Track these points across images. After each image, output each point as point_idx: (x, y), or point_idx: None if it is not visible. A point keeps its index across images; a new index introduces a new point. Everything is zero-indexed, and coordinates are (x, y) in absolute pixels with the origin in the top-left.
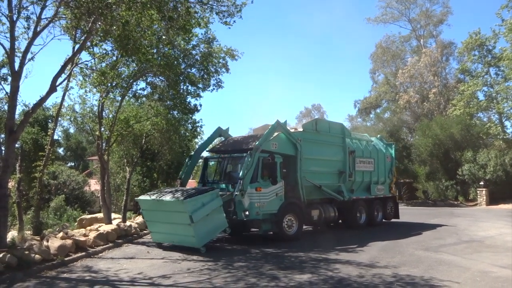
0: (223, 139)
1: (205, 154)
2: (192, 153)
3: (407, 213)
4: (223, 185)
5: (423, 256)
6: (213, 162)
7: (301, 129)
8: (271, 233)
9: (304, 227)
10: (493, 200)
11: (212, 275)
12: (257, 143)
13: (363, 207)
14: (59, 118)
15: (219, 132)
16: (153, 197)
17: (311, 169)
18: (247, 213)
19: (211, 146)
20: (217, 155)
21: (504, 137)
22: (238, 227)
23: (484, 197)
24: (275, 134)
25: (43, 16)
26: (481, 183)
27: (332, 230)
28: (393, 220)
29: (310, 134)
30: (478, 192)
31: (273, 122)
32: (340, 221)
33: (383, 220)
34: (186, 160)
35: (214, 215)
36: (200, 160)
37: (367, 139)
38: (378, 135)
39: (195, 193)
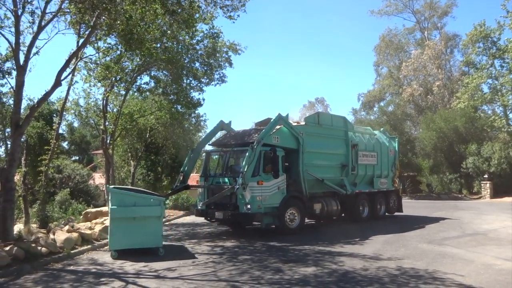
0: (225, 132)
1: (207, 147)
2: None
3: (411, 206)
4: (226, 179)
5: (427, 249)
6: (215, 156)
7: (303, 123)
8: (273, 226)
9: (307, 220)
10: (497, 193)
11: (217, 268)
12: (258, 136)
13: (365, 201)
14: (64, 112)
15: (221, 125)
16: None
17: (314, 163)
18: (248, 206)
19: (213, 139)
20: (219, 149)
21: (509, 129)
22: (241, 220)
23: (488, 190)
24: (277, 127)
25: (47, 11)
26: (485, 176)
27: (335, 223)
28: (396, 213)
29: (312, 128)
30: (482, 185)
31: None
32: (342, 214)
33: (386, 213)
34: (188, 154)
35: (147, 224)
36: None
37: (370, 132)
38: (381, 129)
39: (136, 190)
